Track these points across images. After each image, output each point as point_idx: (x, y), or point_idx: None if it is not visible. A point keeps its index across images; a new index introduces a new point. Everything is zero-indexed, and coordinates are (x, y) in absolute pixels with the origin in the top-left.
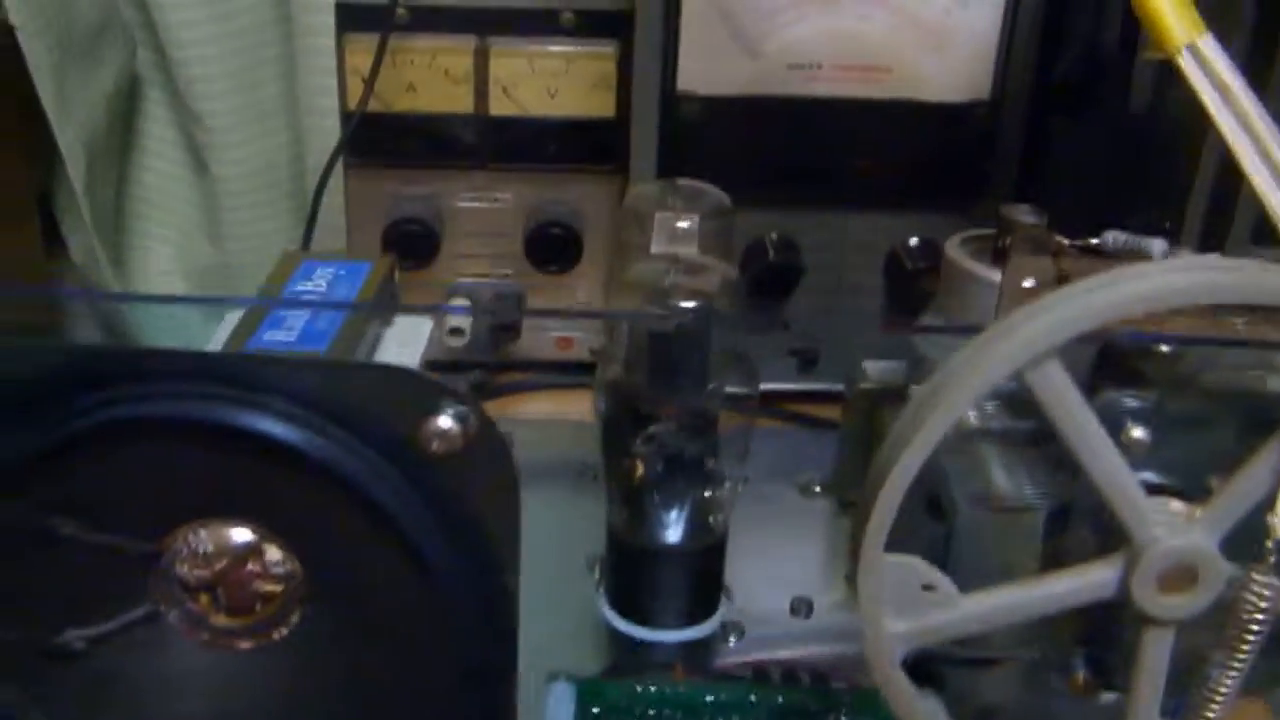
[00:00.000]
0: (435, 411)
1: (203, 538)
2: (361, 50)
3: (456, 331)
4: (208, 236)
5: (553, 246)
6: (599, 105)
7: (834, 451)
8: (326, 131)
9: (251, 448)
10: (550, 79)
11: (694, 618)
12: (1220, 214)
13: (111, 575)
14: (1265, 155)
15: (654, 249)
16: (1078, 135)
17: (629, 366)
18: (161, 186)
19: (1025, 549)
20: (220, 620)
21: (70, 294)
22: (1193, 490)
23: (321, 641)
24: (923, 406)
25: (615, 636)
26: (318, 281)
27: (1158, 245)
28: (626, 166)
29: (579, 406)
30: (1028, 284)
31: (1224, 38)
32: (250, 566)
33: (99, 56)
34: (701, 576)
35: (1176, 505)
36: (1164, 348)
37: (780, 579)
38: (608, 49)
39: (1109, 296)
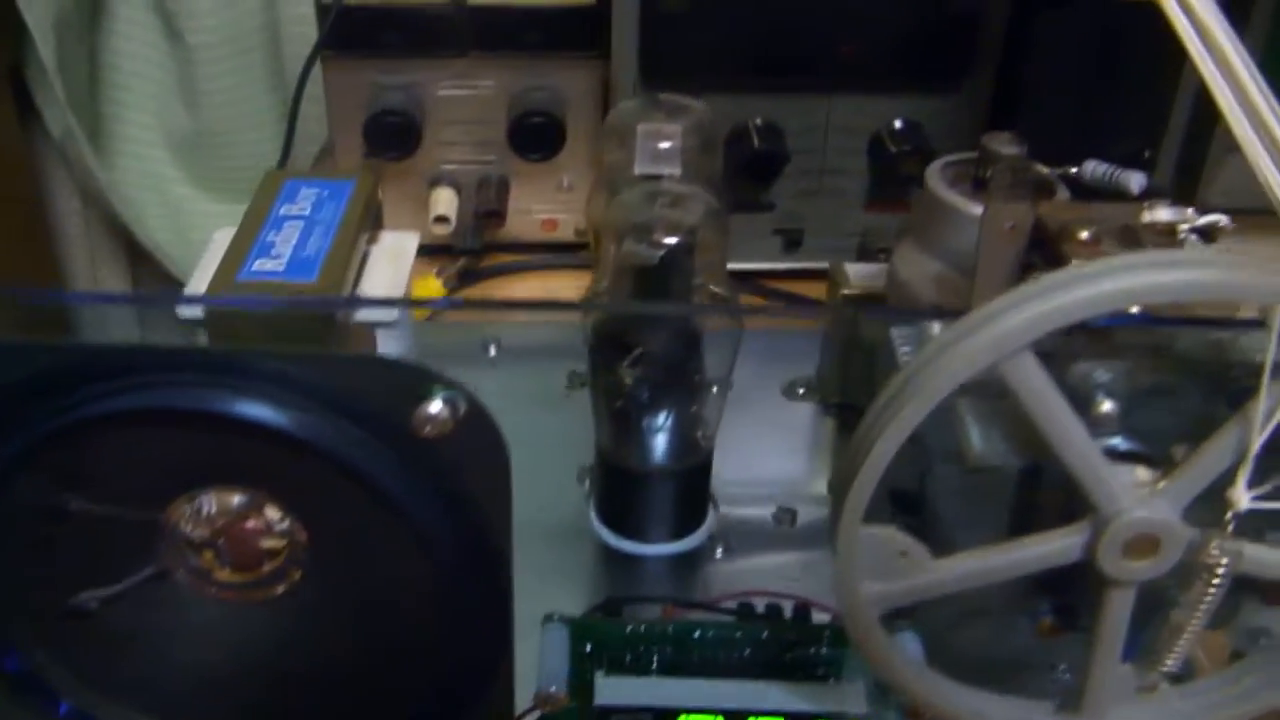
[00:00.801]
0: (426, 397)
1: (205, 499)
2: None
3: (441, 219)
4: (184, 104)
5: (536, 135)
6: None
7: (818, 352)
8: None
9: (245, 431)
10: None
11: (682, 531)
12: (1204, 122)
13: (121, 539)
14: (1246, 106)
15: (637, 169)
16: (1062, 19)
17: (614, 294)
18: (135, 53)
19: (998, 503)
20: (225, 575)
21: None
22: (1158, 453)
23: (323, 596)
24: (900, 392)
25: (606, 550)
26: (301, 204)
27: (1136, 180)
28: (609, 51)
29: (565, 286)
30: (1007, 225)
31: None
32: (251, 524)
33: None
34: (689, 493)
35: (1142, 473)
36: None
37: (765, 488)
38: None
39: (1091, 292)
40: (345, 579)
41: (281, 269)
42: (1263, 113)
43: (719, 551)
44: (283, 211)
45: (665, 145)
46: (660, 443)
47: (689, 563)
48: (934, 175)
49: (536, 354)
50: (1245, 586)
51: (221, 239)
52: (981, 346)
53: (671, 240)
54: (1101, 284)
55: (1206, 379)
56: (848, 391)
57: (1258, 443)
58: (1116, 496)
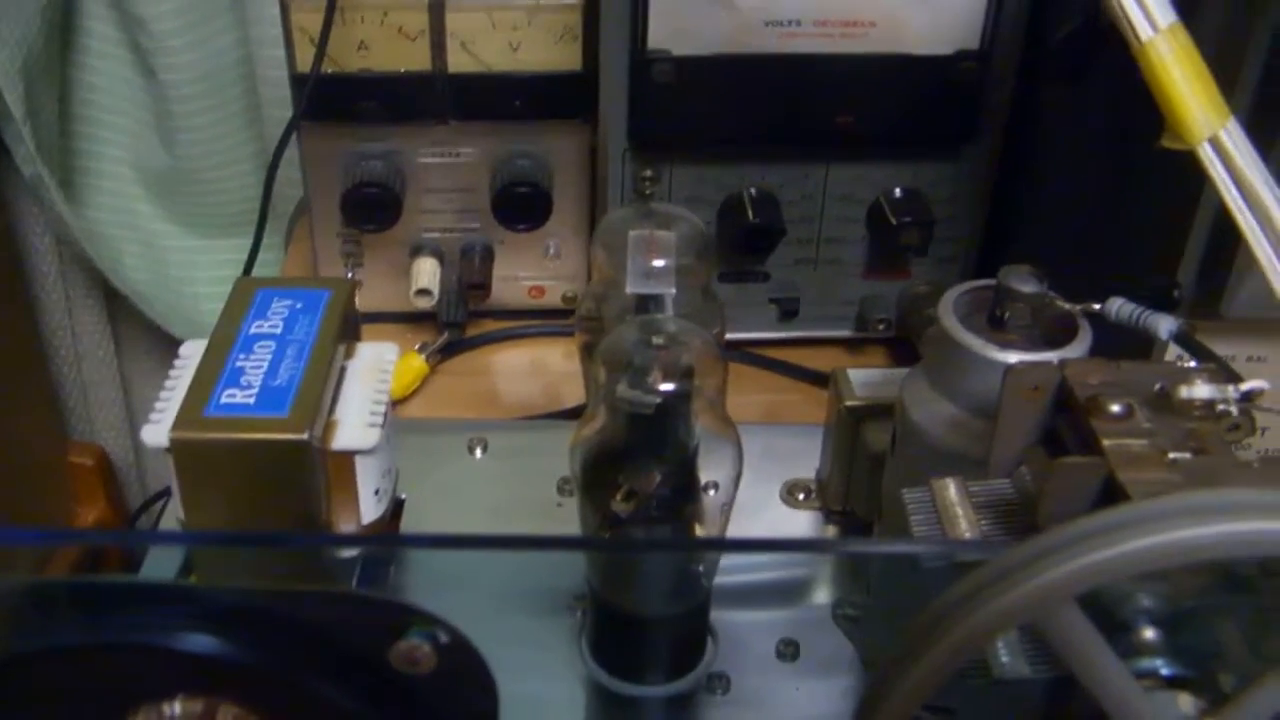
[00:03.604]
0: (404, 633)
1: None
2: (308, 9)
3: (424, 293)
4: (161, 141)
5: (522, 206)
6: (565, 58)
7: (818, 451)
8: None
9: (216, 665)
10: (511, 32)
11: (680, 670)
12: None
13: None
14: None
15: (630, 288)
16: (1072, 90)
17: (606, 433)
18: (110, 89)
19: (1026, 706)
20: None
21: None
22: (1202, 674)
23: None
24: (922, 642)
25: (598, 686)
26: (273, 321)
27: (1165, 326)
28: (595, 117)
29: (552, 353)
30: (1030, 386)
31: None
32: None
33: None
34: (688, 634)
35: (1185, 701)
36: None
37: (765, 615)
38: None
39: (1139, 547)
40: None
41: (251, 402)
42: None
43: (719, 693)
44: (254, 329)
45: (659, 264)
46: (656, 585)
47: (687, 704)
48: (947, 309)
49: (525, 456)
50: None
51: (190, 353)
52: (1017, 604)
53: (668, 387)
54: (1161, 538)
55: (1255, 597)
56: (850, 498)
57: None
58: None
